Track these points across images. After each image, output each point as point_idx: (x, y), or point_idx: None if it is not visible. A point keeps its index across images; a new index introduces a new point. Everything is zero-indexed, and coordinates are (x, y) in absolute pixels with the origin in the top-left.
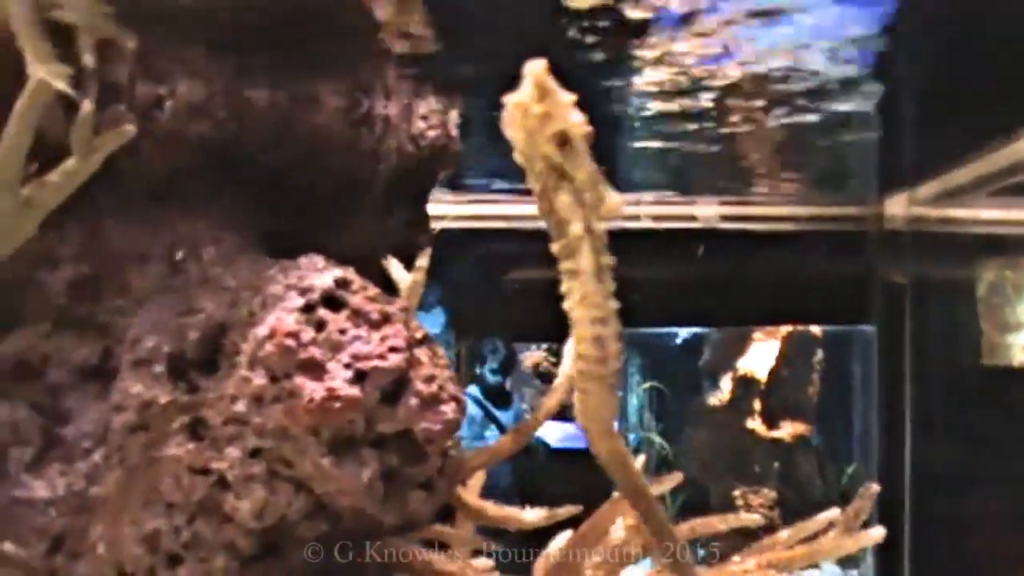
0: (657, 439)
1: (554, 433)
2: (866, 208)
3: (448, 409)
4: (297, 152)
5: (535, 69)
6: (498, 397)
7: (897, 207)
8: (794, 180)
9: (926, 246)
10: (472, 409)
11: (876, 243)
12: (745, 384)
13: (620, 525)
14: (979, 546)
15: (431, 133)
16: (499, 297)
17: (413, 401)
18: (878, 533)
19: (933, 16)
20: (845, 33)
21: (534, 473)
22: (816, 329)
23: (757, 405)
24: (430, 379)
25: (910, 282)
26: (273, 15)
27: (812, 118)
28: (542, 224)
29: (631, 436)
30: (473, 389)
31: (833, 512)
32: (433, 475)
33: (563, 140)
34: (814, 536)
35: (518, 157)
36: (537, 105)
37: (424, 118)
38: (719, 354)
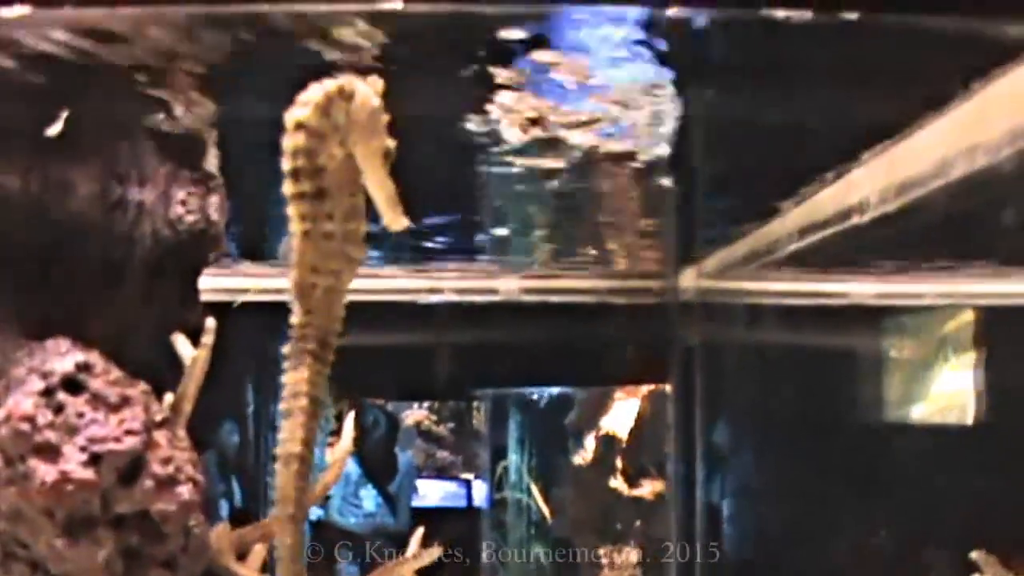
0: (527, 499)
1: (435, 492)
2: (663, 281)
3: (184, 490)
4: (51, 236)
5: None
6: (383, 468)
7: (688, 280)
8: (595, 255)
9: (712, 314)
10: (349, 467)
11: (673, 312)
12: (608, 443)
13: None
14: None
15: (189, 218)
16: (378, 359)
17: (149, 483)
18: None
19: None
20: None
21: None
22: (669, 387)
23: (619, 463)
24: (167, 461)
25: (700, 345)
26: (27, 106)
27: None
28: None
29: (508, 495)
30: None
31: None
32: (176, 553)
33: (387, 154)
34: None
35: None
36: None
37: (183, 203)
38: (583, 413)
